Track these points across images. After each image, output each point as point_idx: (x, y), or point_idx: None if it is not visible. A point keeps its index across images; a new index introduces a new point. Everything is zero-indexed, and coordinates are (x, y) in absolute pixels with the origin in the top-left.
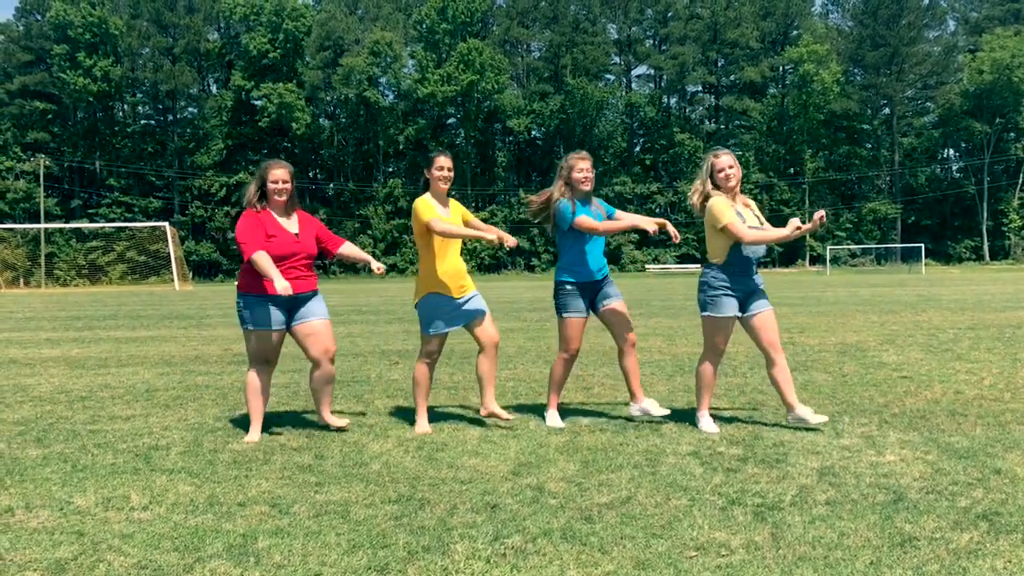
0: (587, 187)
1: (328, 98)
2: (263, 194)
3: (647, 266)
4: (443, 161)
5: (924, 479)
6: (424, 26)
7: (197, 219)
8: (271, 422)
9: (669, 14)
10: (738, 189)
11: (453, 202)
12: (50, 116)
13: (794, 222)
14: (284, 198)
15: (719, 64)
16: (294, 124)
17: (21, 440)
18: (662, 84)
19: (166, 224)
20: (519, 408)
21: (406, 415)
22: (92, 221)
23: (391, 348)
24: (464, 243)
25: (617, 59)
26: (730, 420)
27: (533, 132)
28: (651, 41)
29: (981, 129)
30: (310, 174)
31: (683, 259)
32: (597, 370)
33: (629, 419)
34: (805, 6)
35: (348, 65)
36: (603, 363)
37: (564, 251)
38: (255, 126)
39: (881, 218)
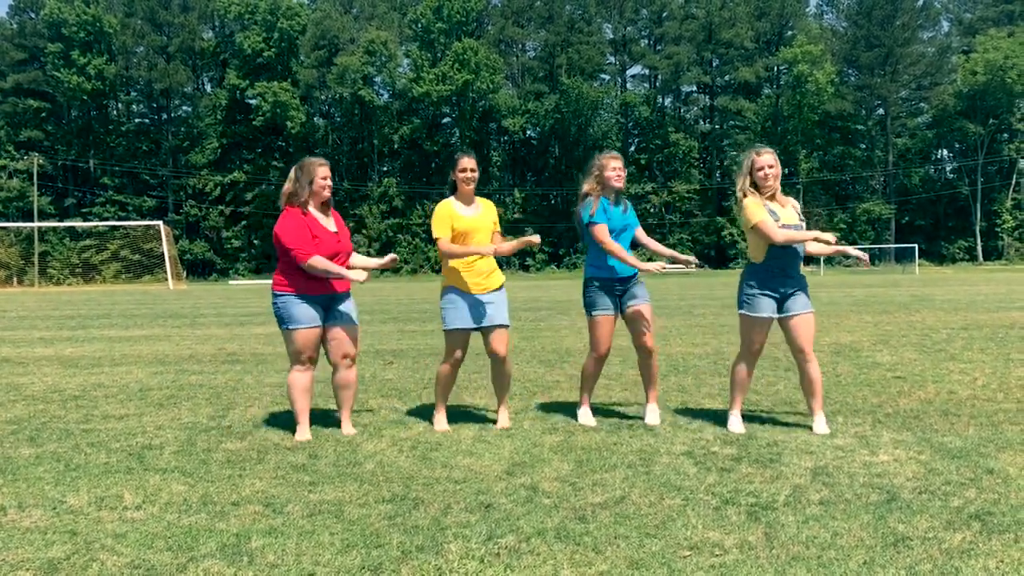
0: (619, 184)
1: (323, 97)
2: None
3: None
4: (466, 162)
5: (917, 479)
6: (419, 25)
7: (191, 218)
8: (269, 422)
9: (664, 14)
10: (778, 187)
11: (485, 202)
12: (44, 114)
13: (832, 237)
14: (328, 195)
15: (714, 64)
16: (289, 123)
17: (14, 439)
18: (657, 84)
19: (160, 223)
20: (513, 408)
21: (400, 415)
22: (86, 220)
23: (385, 348)
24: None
25: (612, 59)
26: (724, 420)
27: (528, 132)
28: (646, 41)
29: (975, 130)
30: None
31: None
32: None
33: (624, 418)
34: (800, 7)
35: (343, 64)
36: None
37: (590, 248)
38: (249, 125)
39: (875, 218)
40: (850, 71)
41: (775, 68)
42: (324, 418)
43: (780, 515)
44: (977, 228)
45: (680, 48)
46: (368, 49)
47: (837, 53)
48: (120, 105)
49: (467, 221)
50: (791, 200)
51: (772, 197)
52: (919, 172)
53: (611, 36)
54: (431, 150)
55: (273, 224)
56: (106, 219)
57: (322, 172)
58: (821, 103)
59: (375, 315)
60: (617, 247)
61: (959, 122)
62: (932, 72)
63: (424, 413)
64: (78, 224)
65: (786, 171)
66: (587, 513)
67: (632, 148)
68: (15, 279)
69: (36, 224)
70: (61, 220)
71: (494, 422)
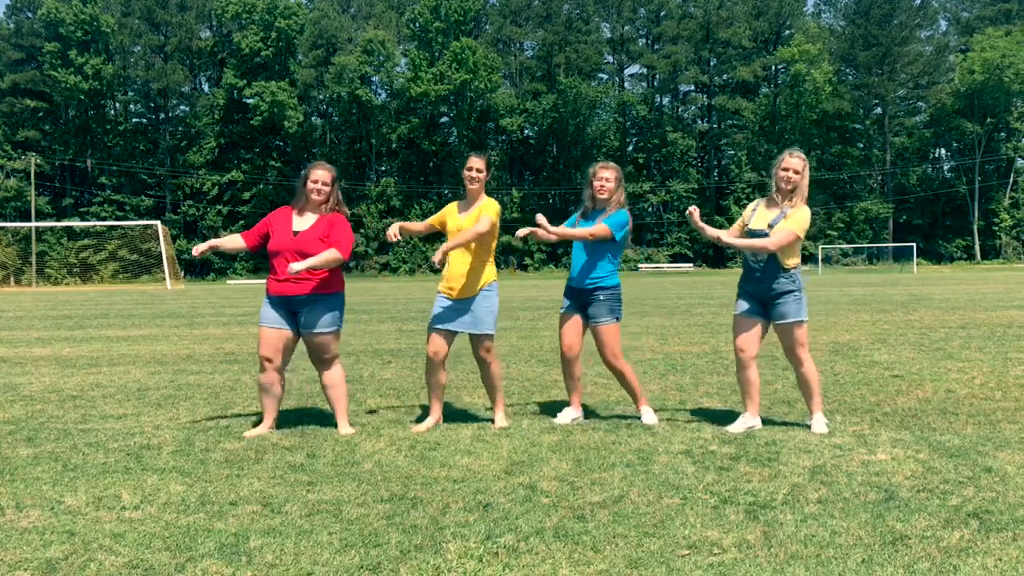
0: (602, 195)
1: (320, 96)
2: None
3: (640, 265)
4: (472, 161)
5: (915, 478)
6: (417, 24)
7: (189, 218)
8: (258, 421)
9: (662, 13)
10: (802, 191)
11: (484, 205)
12: (41, 114)
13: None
14: (319, 198)
15: (712, 63)
16: (286, 122)
17: (11, 439)
18: (655, 83)
19: (158, 223)
20: (511, 407)
21: (398, 414)
22: (83, 219)
23: (383, 347)
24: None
25: (610, 58)
26: (722, 419)
27: (526, 131)
28: (644, 40)
29: (972, 129)
30: (302, 172)
31: (675, 258)
32: (589, 369)
33: (623, 418)
34: (797, 6)
35: (341, 63)
36: (597, 362)
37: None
38: (247, 124)
39: (873, 217)
40: (848, 70)
41: (773, 67)
42: (322, 418)
43: (778, 514)
44: (975, 227)
45: (678, 47)
46: (366, 48)
47: (835, 52)
48: (117, 105)
49: (457, 222)
50: (794, 208)
51: (785, 199)
52: (917, 171)
53: (609, 35)
54: (429, 149)
55: None
56: (104, 219)
57: (314, 175)
58: (819, 102)
59: (373, 315)
60: (570, 231)
61: (957, 121)
62: (930, 71)
63: (422, 413)
64: (75, 224)
65: None
66: (585, 512)
67: (630, 147)
68: (12, 279)
69: (33, 224)
70: (58, 220)
71: (492, 421)
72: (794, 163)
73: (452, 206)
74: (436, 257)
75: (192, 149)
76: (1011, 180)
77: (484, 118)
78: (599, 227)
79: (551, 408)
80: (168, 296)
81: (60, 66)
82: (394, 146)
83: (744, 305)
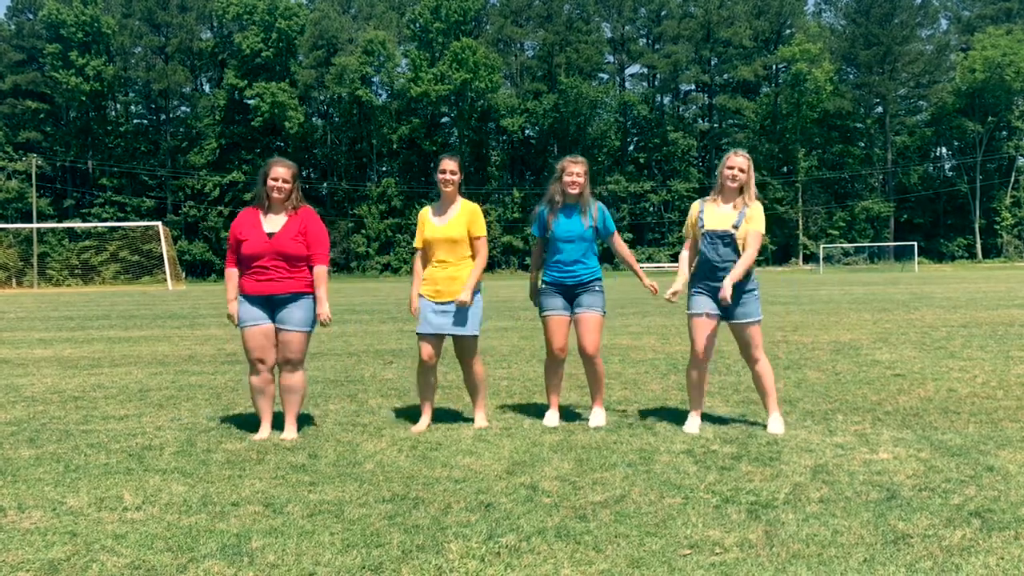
0: (573, 191)
1: (321, 97)
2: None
3: (641, 265)
4: (445, 164)
5: (917, 477)
6: (417, 25)
7: (190, 219)
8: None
9: (663, 13)
10: (748, 190)
11: (465, 209)
12: (42, 115)
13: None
14: (279, 196)
15: (712, 63)
16: (287, 123)
17: (13, 440)
18: (656, 83)
19: (159, 224)
20: (513, 407)
21: (400, 414)
22: (85, 221)
23: (385, 347)
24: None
25: (611, 58)
26: (724, 419)
27: (527, 131)
28: (645, 40)
29: (973, 128)
30: (303, 173)
31: (676, 258)
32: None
33: (624, 417)
34: (798, 5)
35: (341, 64)
36: None
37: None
38: (248, 125)
39: (874, 216)
40: (849, 69)
41: (774, 66)
42: (323, 418)
43: (780, 513)
44: (976, 226)
45: (679, 47)
46: (366, 49)
47: (836, 51)
48: (118, 106)
49: (432, 230)
50: (751, 208)
51: (727, 199)
52: (918, 170)
53: (610, 35)
54: (430, 150)
55: None
56: (105, 220)
57: (275, 172)
58: (820, 101)
59: (374, 315)
60: (533, 262)
61: (958, 120)
62: (931, 70)
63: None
64: (77, 225)
65: (785, 169)
66: (587, 512)
67: (631, 147)
68: (14, 280)
69: (35, 225)
70: (60, 221)
71: (473, 421)
72: (739, 161)
73: (425, 214)
74: (464, 298)
75: (193, 150)
76: (1012, 179)
77: (485, 118)
78: (745, 257)
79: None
80: (169, 297)
81: (61, 67)
82: (395, 146)
83: (703, 304)
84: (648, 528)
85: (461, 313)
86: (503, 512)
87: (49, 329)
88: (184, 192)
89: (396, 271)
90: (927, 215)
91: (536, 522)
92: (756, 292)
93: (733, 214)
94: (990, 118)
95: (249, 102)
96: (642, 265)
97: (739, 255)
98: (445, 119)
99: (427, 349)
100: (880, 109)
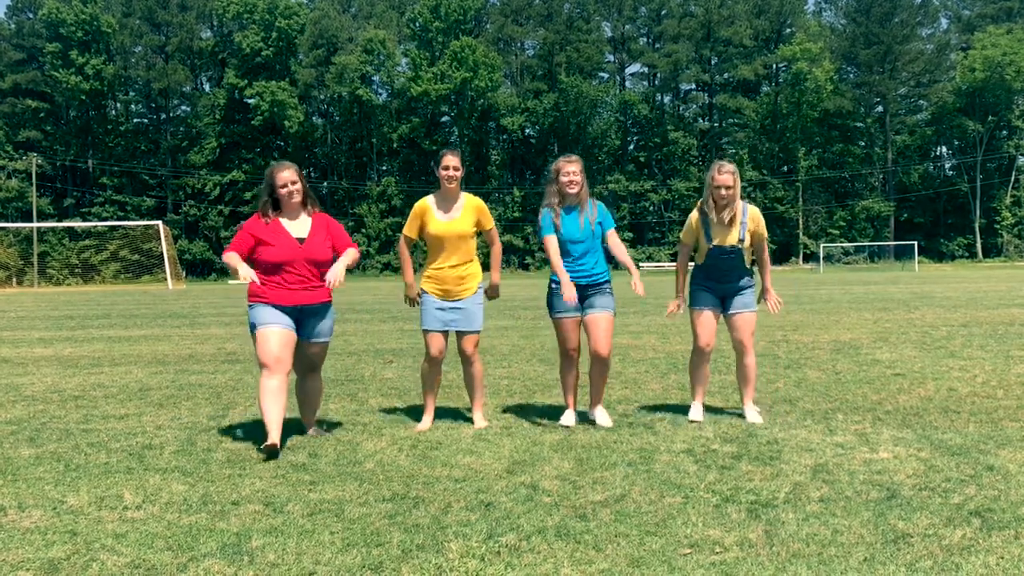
0: (572, 190)
1: (321, 96)
2: (275, 201)
3: (641, 264)
4: (449, 159)
5: (917, 476)
6: (417, 24)
7: (190, 218)
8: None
9: (663, 12)
10: (735, 202)
11: (471, 204)
12: (42, 115)
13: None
14: (298, 199)
15: (712, 62)
16: (287, 122)
17: (14, 440)
18: (656, 82)
19: (159, 223)
20: (513, 406)
21: (400, 414)
22: (85, 220)
23: (385, 347)
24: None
25: (611, 57)
26: (724, 418)
27: (527, 130)
28: (645, 39)
29: (973, 127)
30: (303, 173)
31: (677, 257)
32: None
33: (624, 416)
34: (798, 4)
35: (341, 63)
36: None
37: None
38: (248, 124)
39: (874, 216)
40: (849, 68)
41: (774, 66)
42: (321, 418)
43: (780, 513)
44: (976, 225)
45: (679, 46)
46: (366, 48)
47: (836, 50)
48: (119, 105)
49: (439, 226)
50: (749, 215)
51: (720, 210)
52: (918, 169)
53: (610, 34)
54: (430, 149)
55: None
56: (105, 219)
57: (281, 178)
58: (820, 100)
59: (375, 314)
60: (555, 262)
61: (958, 119)
62: (931, 69)
63: (422, 413)
64: (77, 224)
65: (785, 169)
66: (587, 511)
67: (631, 146)
68: (14, 279)
69: (35, 224)
70: (60, 220)
71: (493, 421)
72: (725, 179)
73: (426, 207)
74: (493, 293)
75: (193, 149)
76: (1012, 178)
77: (485, 117)
78: (766, 265)
79: (553, 407)
80: (170, 296)
81: (61, 66)
82: (395, 146)
83: (707, 300)
84: (648, 527)
85: (468, 310)
86: (503, 511)
87: (49, 328)
88: (184, 191)
89: (397, 270)
90: (927, 214)
91: (536, 521)
92: (753, 287)
93: (736, 228)
94: (990, 117)
95: (249, 101)
96: (642, 264)
97: (744, 262)
98: (445, 118)
99: (437, 344)
100: (880, 108)
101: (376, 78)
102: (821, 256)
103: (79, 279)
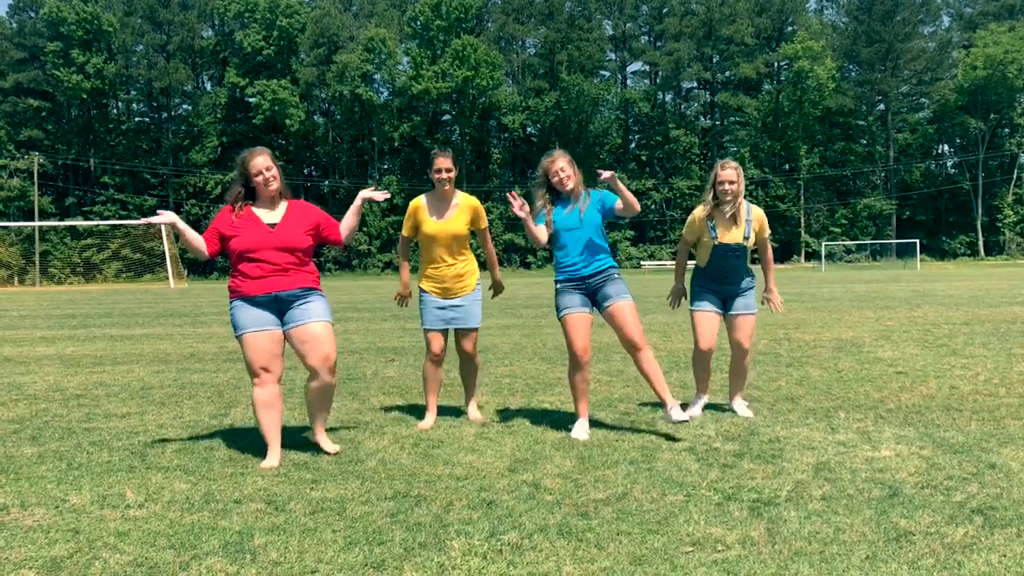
0: (568, 186)
1: (322, 95)
2: (249, 191)
3: (642, 263)
4: (441, 162)
5: (919, 474)
6: (418, 23)
7: (192, 217)
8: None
9: (664, 10)
10: (739, 200)
11: (466, 203)
12: (44, 113)
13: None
14: (275, 186)
15: (714, 60)
16: (288, 121)
17: (16, 438)
18: (657, 80)
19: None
20: (515, 405)
21: (402, 412)
22: (87, 219)
23: (387, 345)
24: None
25: (612, 55)
26: (725, 416)
27: (528, 129)
28: (646, 37)
29: (975, 125)
30: (305, 171)
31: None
32: (592, 367)
33: (626, 415)
34: (800, 2)
35: (342, 62)
36: (598, 360)
37: (554, 254)
38: (249, 123)
39: (876, 214)
40: (851, 66)
41: (775, 64)
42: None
43: (782, 511)
44: (978, 223)
45: (680, 44)
46: (367, 47)
47: (837, 49)
48: (120, 104)
49: (432, 226)
50: (753, 215)
51: (723, 209)
52: (920, 167)
53: (611, 32)
54: (431, 148)
55: None
56: (107, 218)
57: (255, 165)
58: (822, 99)
59: (376, 313)
60: (532, 230)
61: (960, 117)
62: (933, 67)
63: (424, 411)
64: (79, 223)
65: (787, 167)
66: (589, 509)
67: (633, 144)
68: (16, 278)
69: (37, 223)
70: (62, 219)
71: (494, 420)
72: (728, 174)
73: (419, 207)
74: (499, 289)
75: (195, 148)
76: (1015, 176)
77: (486, 116)
78: (770, 265)
79: (555, 406)
80: (171, 295)
81: (62, 65)
82: (396, 144)
83: (709, 303)
84: (650, 526)
85: (467, 307)
86: (505, 510)
87: (51, 327)
88: (186, 190)
89: (398, 269)
90: (929, 212)
91: (538, 520)
92: (754, 289)
93: (741, 226)
94: (992, 115)
95: (250, 100)
96: (644, 263)
97: (746, 262)
98: (446, 117)
99: (438, 342)
100: (882, 106)
101: (377, 77)
102: (823, 254)
103: (81, 278)
